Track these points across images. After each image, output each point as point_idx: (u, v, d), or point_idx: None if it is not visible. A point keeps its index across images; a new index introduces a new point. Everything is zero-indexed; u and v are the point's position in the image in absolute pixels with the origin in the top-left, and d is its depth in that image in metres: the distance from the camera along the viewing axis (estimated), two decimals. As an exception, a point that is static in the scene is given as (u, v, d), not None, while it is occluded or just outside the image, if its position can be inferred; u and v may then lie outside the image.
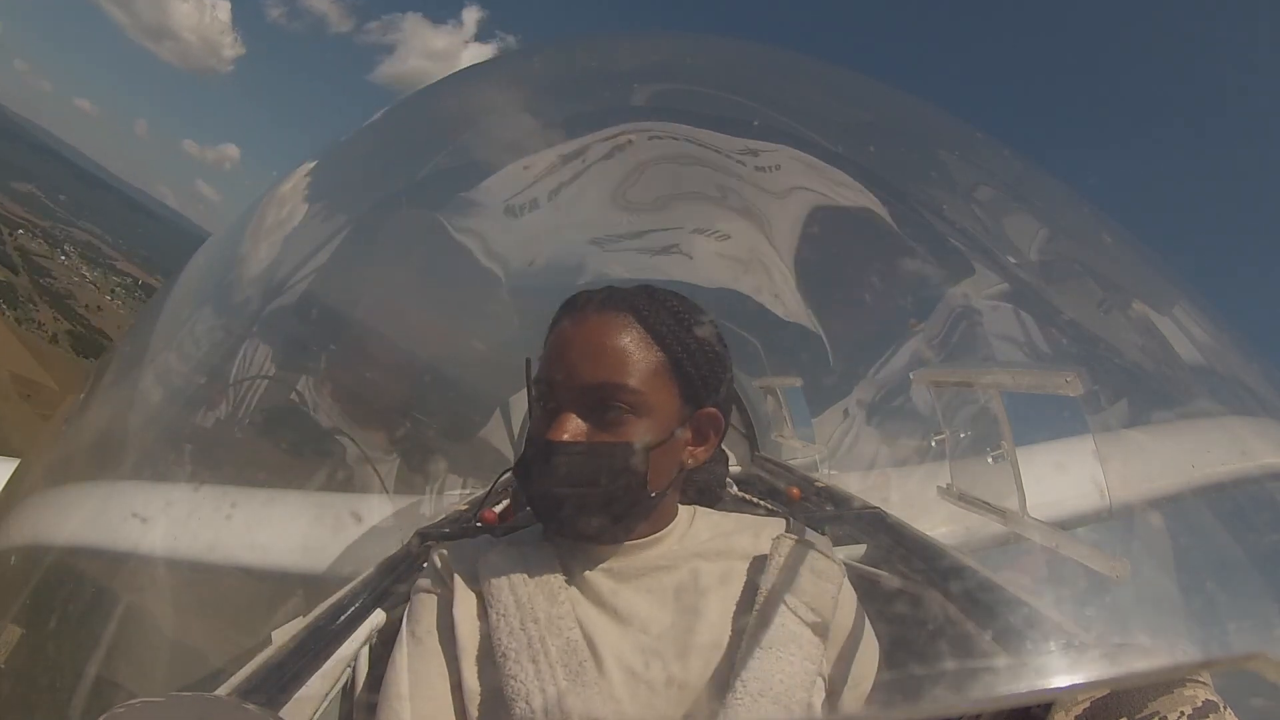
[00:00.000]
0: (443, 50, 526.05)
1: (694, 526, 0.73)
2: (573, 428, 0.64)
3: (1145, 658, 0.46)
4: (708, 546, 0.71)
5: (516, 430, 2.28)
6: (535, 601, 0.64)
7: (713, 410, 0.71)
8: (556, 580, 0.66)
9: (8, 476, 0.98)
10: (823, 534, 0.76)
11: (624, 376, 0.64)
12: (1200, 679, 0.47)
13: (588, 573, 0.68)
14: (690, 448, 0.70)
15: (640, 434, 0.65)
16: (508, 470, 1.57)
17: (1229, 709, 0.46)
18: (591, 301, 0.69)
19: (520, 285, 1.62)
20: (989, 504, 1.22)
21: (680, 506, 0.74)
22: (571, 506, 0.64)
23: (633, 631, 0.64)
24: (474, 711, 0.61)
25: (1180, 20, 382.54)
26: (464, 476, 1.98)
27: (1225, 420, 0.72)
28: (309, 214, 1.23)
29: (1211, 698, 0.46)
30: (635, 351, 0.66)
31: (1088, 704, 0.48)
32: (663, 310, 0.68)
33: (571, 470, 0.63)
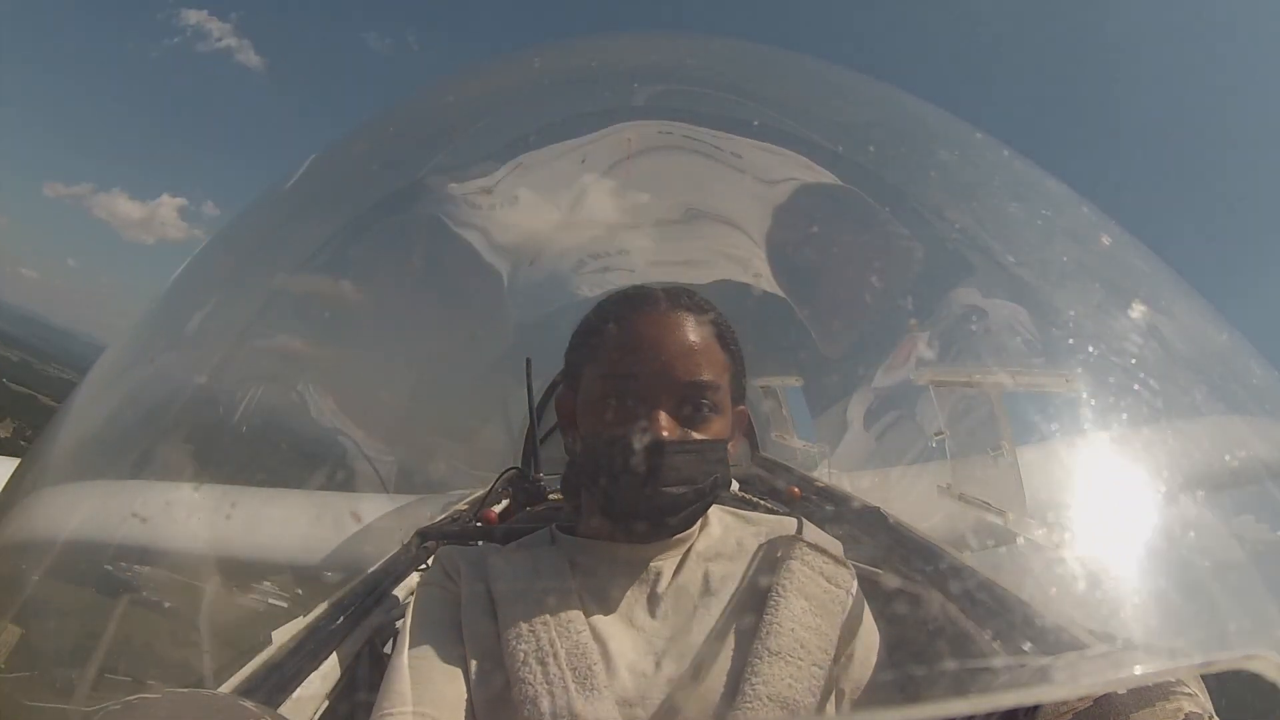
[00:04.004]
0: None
1: (709, 527, 0.73)
2: (676, 426, 0.63)
3: (1146, 659, 0.46)
4: (720, 548, 0.70)
5: (516, 430, 2.28)
6: (545, 603, 0.63)
7: (744, 408, 0.73)
8: (566, 583, 0.66)
9: (8, 476, 0.98)
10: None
11: (713, 374, 0.66)
12: (1185, 690, 0.46)
13: (599, 575, 0.67)
14: (730, 445, 0.71)
15: (719, 431, 0.66)
16: (508, 470, 1.57)
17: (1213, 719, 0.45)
18: (665, 299, 0.69)
19: (520, 284, 1.62)
20: (989, 504, 1.22)
21: None
22: (674, 505, 0.64)
23: (643, 634, 0.63)
24: (479, 713, 0.60)
25: (1180, 19, 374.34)
26: (464, 476, 1.98)
27: (1225, 420, 0.72)
28: (309, 212, 1.23)
29: (1194, 709, 0.45)
30: (716, 351, 0.67)
31: (1070, 716, 0.47)
32: (719, 313, 0.70)
33: (682, 468, 0.62)
